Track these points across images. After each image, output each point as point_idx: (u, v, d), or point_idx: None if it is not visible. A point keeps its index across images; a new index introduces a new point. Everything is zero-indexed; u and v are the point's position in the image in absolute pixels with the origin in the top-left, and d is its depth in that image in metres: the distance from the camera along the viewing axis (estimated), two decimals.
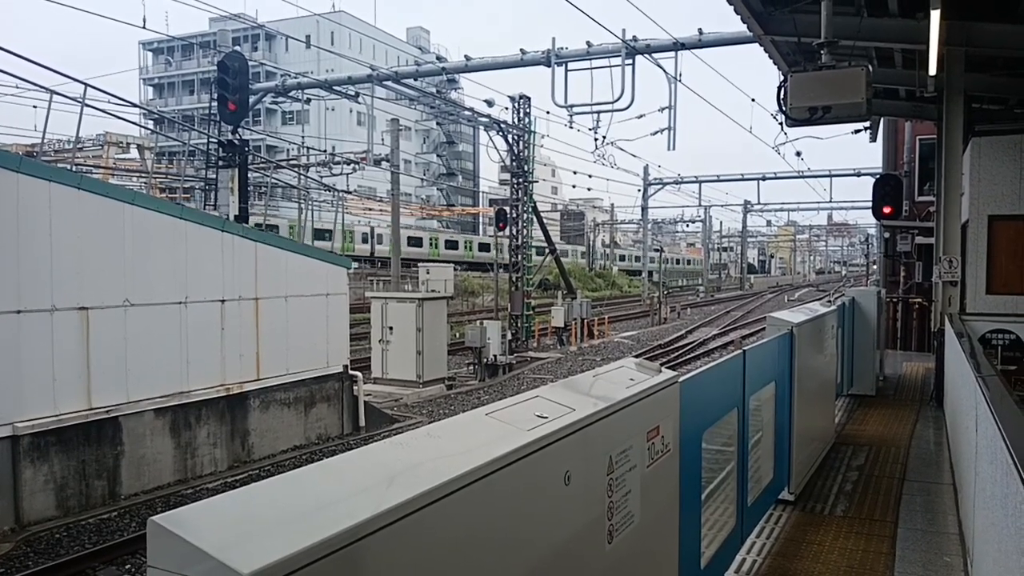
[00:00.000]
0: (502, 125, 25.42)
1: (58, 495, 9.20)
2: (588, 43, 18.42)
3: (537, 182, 27.55)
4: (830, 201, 53.72)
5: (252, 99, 21.10)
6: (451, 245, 52.56)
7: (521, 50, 19.46)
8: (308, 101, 25.99)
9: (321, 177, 31.11)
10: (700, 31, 17.34)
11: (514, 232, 26.07)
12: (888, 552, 4.91)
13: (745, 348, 4.46)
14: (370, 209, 48.15)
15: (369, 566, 1.38)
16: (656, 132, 19.76)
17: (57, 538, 8.67)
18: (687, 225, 73.77)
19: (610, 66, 18.05)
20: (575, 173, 43.27)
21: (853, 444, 7.67)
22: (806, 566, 4.69)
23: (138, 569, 8.00)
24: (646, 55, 17.75)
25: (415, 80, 22.82)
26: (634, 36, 17.60)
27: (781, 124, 15.76)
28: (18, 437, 8.78)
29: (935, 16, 7.08)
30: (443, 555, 1.60)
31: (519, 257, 26.04)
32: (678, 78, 18.06)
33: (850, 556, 4.85)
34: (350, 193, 33.82)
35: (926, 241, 17.20)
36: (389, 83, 22.12)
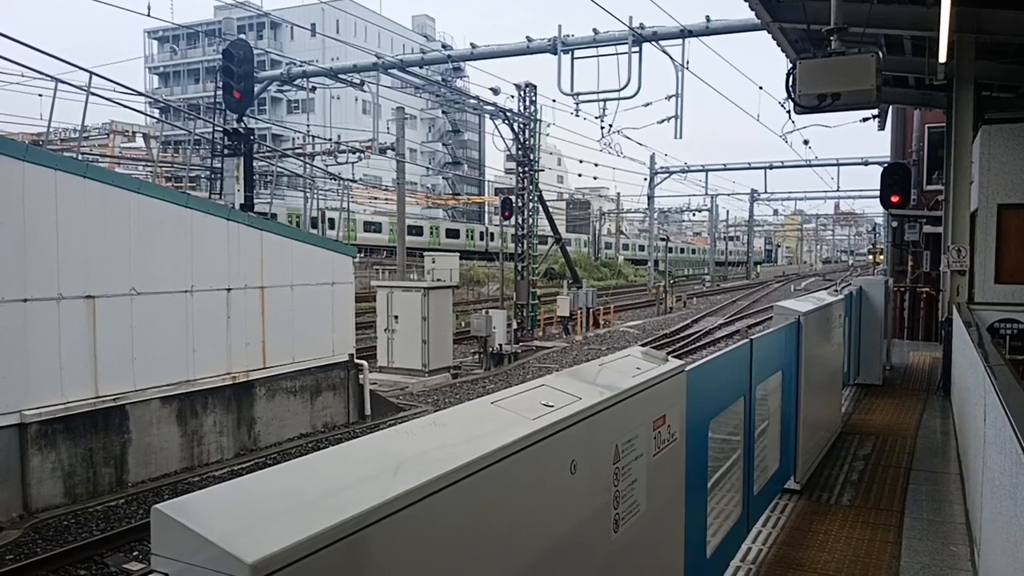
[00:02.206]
0: (508, 113, 25.32)
1: (66, 482, 9.26)
2: (595, 31, 18.30)
3: (543, 171, 27.51)
4: (837, 190, 53.15)
5: (257, 87, 21.05)
6: (487, 236, 53.26)
7: (527, 38, 19.34)
8: (313, 89, 25.94)
9: (327, 166, 31.10)
10: (708, 18, 17.20)
11: (519, 221, 26.03)
12: (894, 541, 4.90)
13: (752, 337, 4.44)
14: (375, 198, 48.17)
15: (374, 554, 1.37)
16: (663, 120, 19.67)
17: (65, 525, 8.73)
18: (693, 214, 73.58)
19: (617, 54, 17.94)
20: (581, 162, 43.34)
21: (859, 433, 7.65)
22: (812, 555, 4.68)
23: (145, 556, 8.05)
24: (653, 43, 17.63)
25: (421, 68, 22.72)
26: (641, 23, 17.48)
27: (789, 112, 15.71)
28: (26, 425, 8.83)
29: (945, 3, 6.99)
30: (449, 543, 1.60)
31: (524, 246, 26.01)
32: (685, 66, 17.96)
33: (856, 545, 4.84)
34: (355, 182, 33.80)
35: (934, 230, 17.09)
36: (394, 71, 22.04)
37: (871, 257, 49.91)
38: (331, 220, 37.41)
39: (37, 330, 8.97)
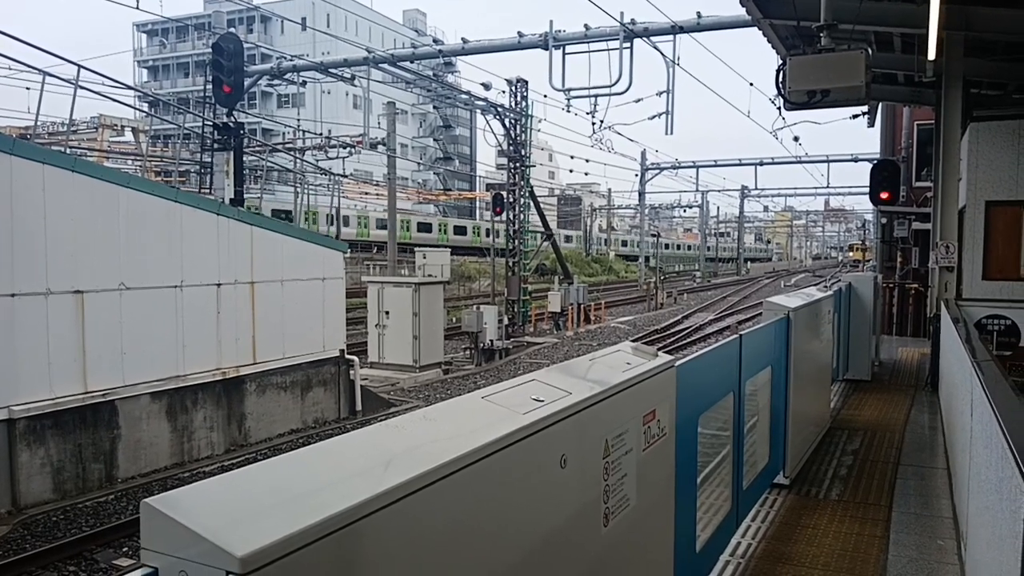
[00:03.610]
0: (499, 109, 25.29)
1: (55, 478, 9.21)
2: (586, 26, 18.31)
3: (534, 166, 27.45)
4: (827, 187, 53.24)
5: (247, 82, 20.95)
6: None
7: (519, 33, 19.33)
8: (304, 84, 25.86)
9: (317, 161, 30.97)
10: (699, 14, 17.24)
11: (511, 217, 26.00)
12: (882, 536, 4.94)
13: (741, 333, 4.45)
14: (366, 193, 48.00)
15: (364, 548, 1.37)
16: (654, 116, 19.73)
17: (54, 521, 8.69)
18: (684, 210, 73.77)
19: (608, 49, 17.97)
20: (572, 158, 43.19)
21: (848, 429, 7.70)
22: (801, 549, 4.71)
23: (135, 552, 8.02)
24: (644, 38, 17.65)
25: (412, 63, 22.66)
26: (632, 19, 17.49)
27: (779, 109, 15.76)
28: (14, 420, 8.78)
29: (935, 0, 7.03)
30: (439, 537, 1.60)
31: (516, 242, 26.00)
32: (676, 62, 18.01)
33: (844, 540, 4.87)
34: (346, 177, 33.69)
35: (923, 227, 17.18)
36: (385, 66, 21.97)
37: (851, 254, 49.13)
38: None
39: (25, 325, 8.91)
